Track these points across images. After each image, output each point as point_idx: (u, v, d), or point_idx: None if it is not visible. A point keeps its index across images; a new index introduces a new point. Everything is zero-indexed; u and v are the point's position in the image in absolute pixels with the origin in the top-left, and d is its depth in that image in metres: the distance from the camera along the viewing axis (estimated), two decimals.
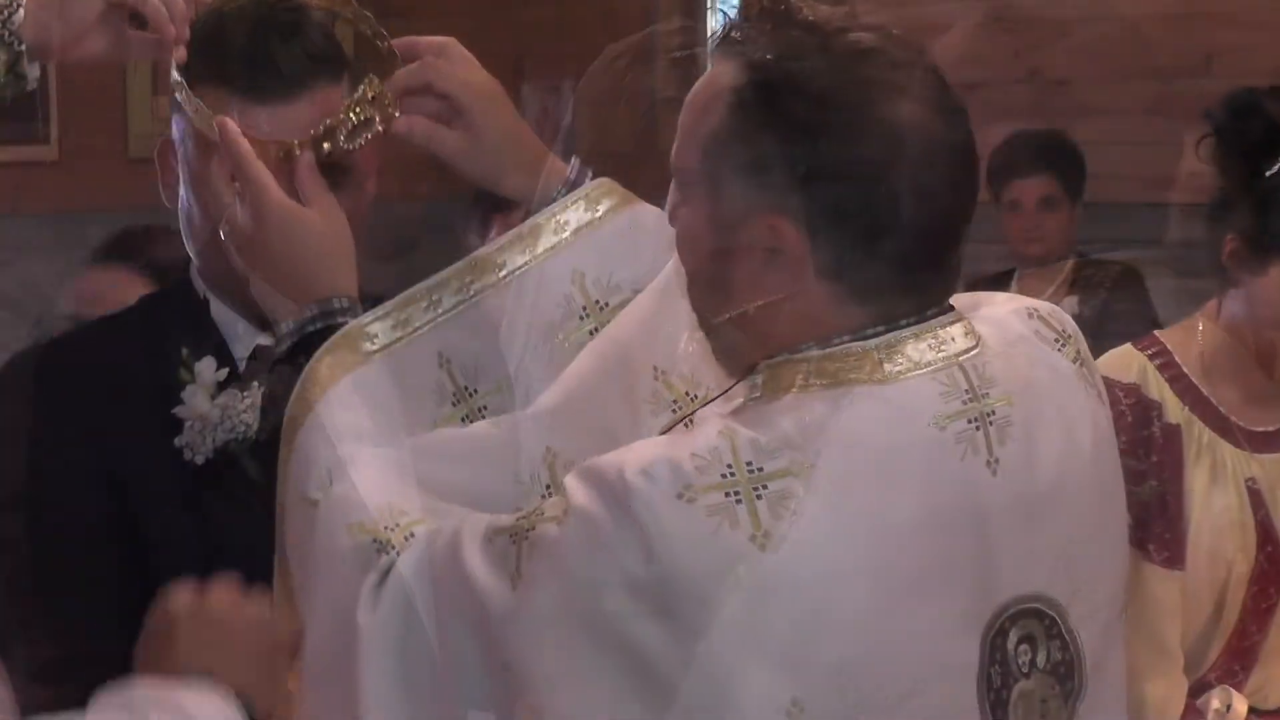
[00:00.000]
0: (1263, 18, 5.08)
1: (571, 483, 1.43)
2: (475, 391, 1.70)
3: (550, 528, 1.42)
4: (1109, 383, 2.33)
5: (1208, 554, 2.31)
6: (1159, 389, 2.33)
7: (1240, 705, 2.29)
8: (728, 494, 1.37)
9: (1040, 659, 1.47)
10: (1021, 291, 3.97)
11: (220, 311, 1.94)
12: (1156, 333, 2.44)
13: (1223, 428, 2.34)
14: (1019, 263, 4.82)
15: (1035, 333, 1.56)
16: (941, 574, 1.41)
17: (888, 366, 1.45)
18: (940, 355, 1.46)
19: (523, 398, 1.69)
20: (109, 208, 5.75)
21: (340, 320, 1.66)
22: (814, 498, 1.38)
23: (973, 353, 1.48)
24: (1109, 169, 5.09)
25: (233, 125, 1.71)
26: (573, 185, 1.79)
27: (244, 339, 1.93)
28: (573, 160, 1.82)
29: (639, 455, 1.41)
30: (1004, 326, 1.55)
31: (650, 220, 1.73)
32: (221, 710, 1.45)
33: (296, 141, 1.73)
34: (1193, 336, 2.38)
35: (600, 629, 1.38)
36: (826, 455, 1.39)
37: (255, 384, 1.84)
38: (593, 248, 1.75)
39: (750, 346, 1.51)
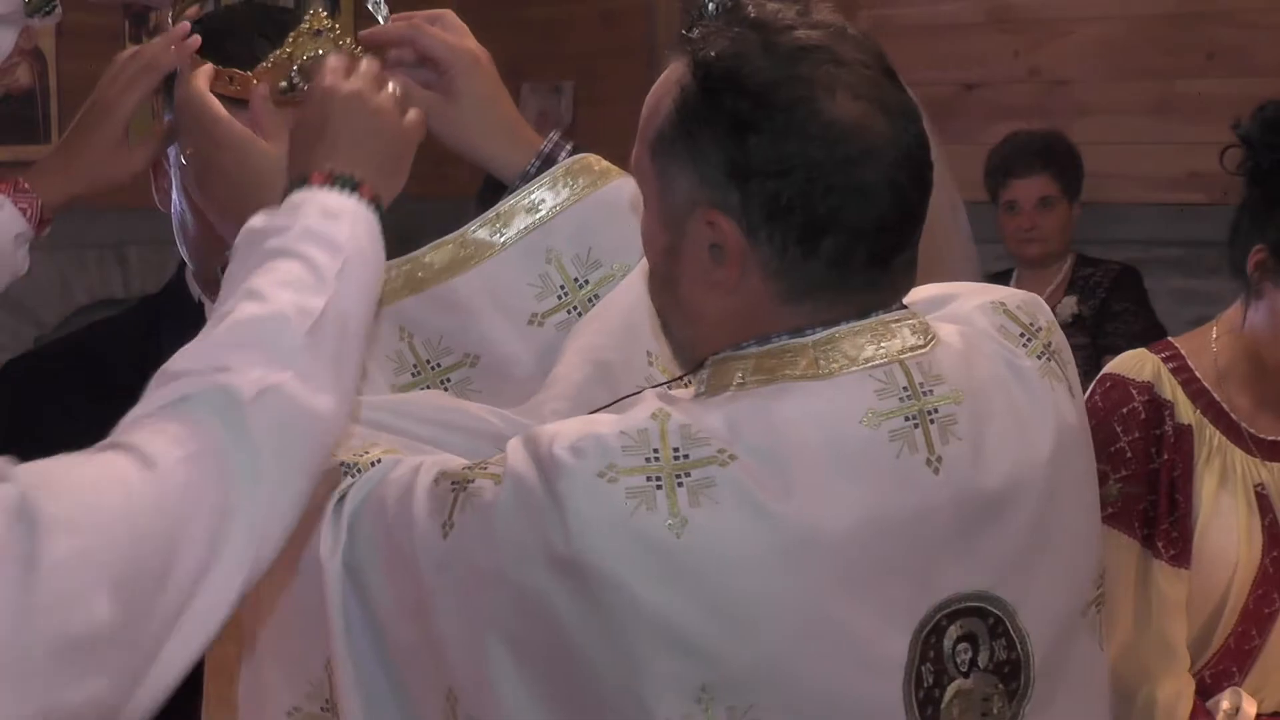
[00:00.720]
0: (1263, 17, 5.08)
1: (514, 446, 1.43)
2: (438, 365, 1.71)
3: (487, 484, 1.42)
4: (1124, 380, 2.34)
5: (1213, 555, 2.31)
6: (1172, 390, 2.33)
7: (1250, 707, 2.29)
8: (649, 478, 1.37)
9: (982, 658, 1.46)
10: None
11: None
12: (1171, 339, 2.45)
13: (1233, 434, 2.34)
14: (1017, 263, 4.82)
15: (999, 328, 1.54)
16: (870, 570, 1.40)
17: (823, 364, 1.44)
18: (881, 352, 1.45)
19: (497, 374, 1.70)
20: (109, 208, 5.77)
21: None
22: (735, 489, 1.37)
23: (919, 351, 1.47)
24: (1109, 169, 5.09)
25: (198, 61, 1.69)
26: (547, 158, 1.78)
27: None
28: (551, 133, 1.81)
29: (573, 429, 1.41)
30: (967, 323, 1.54)
31: (630, 194, 1.72)
32: (349, 207, 1.49)
33: (252, 73, 1.73)
34: (1206, 343, 2.39)
35: (516, 593, 1.38)
36: (752, 448, 1.39)
37: None
38: (569, 226, 1.74)
39: (699, 343, 1.51)
